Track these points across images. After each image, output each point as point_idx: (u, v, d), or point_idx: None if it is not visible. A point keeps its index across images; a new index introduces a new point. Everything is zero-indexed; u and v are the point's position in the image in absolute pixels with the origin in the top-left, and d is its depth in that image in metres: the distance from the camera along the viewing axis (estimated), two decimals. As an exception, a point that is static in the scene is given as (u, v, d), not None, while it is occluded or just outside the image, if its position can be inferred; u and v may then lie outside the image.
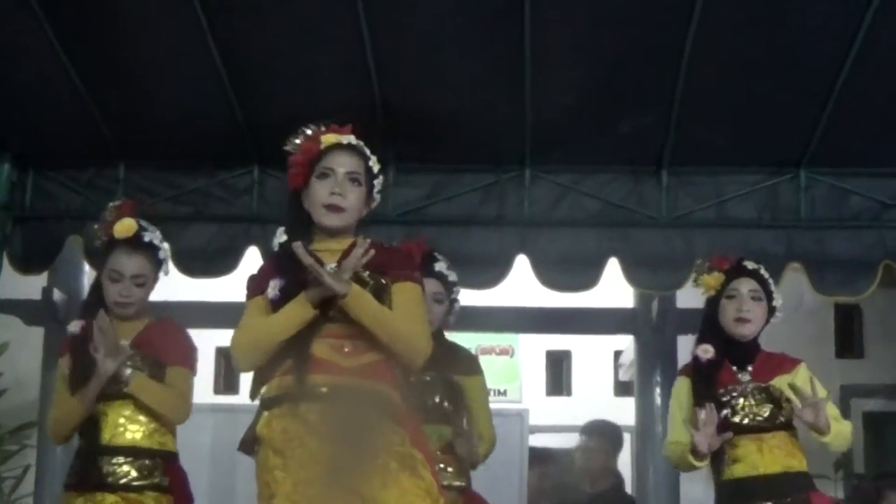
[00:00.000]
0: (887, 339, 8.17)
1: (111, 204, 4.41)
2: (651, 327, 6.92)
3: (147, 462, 4.15)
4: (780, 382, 4.09)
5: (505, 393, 9.56)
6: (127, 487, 4.10)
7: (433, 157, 5.97)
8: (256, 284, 3.55)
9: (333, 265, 3.44)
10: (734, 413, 4.07)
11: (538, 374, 10.01)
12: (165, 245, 4.39)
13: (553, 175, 6.03)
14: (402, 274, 3.54)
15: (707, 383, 4.10)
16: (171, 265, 4.52)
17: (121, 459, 4.12)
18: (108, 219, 4.32)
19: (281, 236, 3.59)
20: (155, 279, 4.36)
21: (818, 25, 5.19)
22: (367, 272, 3.47)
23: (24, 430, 8.23)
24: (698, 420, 4.02)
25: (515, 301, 7.00)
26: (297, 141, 3.59)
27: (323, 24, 5.29)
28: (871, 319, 8.26)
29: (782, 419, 4.08)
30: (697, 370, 4.18)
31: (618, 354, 9.48)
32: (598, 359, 9.86)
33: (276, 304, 3.45)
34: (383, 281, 3.50)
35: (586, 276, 5.97)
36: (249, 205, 6.00)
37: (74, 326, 4.27)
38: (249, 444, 3.47)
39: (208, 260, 5.96)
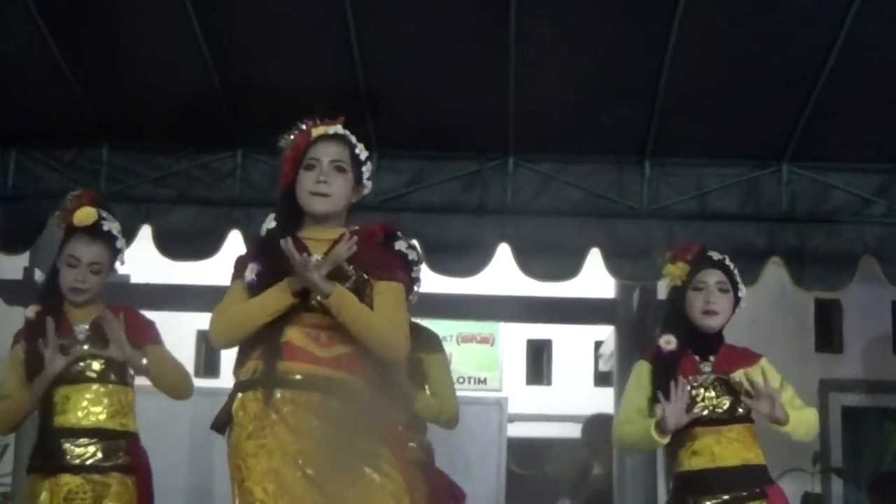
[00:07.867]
0: (866, 334, 8.20)
1: (71, 193, 4.43)
2: (631, 318, 6.91)
3: (111, 443, 4.17)
4: (740, 375, 4.08)
5: (485, 381, 9.56)
6: (92, 469, 4.13)
7: (416, 144, 5.97)
8: (239, 267, 3.61)
9: (319, 256, 3.48)
10: (694, 404, 4.07)
11: (518, 363, 9.99)
12: (121, 237, 4.40)
13: (536, 164, 6.04)
14: (387, 273, 3.61)
15: (668, 373, 4.08)
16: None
17: (85, 441, 4.15)
18: (69, 206, 4.34)
19: (270, 222, 3.66)
20: (110, 269, 4.38)
21: (802, 19, 5.21)
22: (352, 266, 3.52)
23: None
24: (661, 401, 4.00)
25: (497, 290, 7.01)
26: (291, 137, 3.65)
27: (308, 8, 5.29)
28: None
29: (741, 412, 4.08)
30: (659, 359, 4.18)
31: (598, 345, 9.48)
32: (579, 349, 9.85)
33: (253, 289, 3.51)
34: (366, 276, 3.55)
35: (567, 266, 6.00)
36: (232, 188, 6.01)
37: (30, 312, 4.30)
38: (223, 423, 3.51)
39: (190, 243, 5.97)
